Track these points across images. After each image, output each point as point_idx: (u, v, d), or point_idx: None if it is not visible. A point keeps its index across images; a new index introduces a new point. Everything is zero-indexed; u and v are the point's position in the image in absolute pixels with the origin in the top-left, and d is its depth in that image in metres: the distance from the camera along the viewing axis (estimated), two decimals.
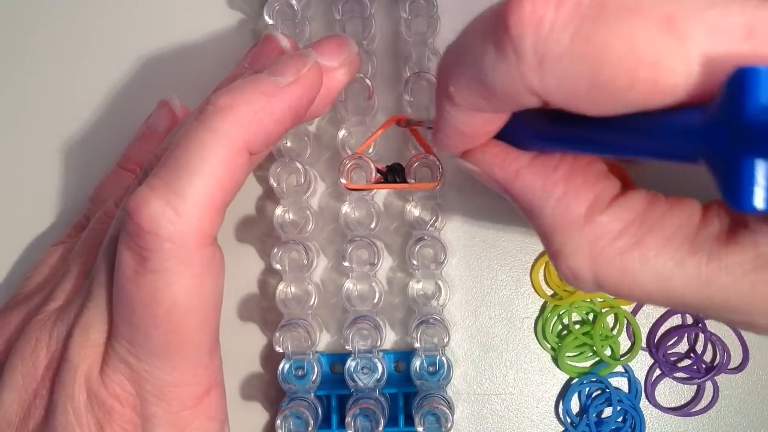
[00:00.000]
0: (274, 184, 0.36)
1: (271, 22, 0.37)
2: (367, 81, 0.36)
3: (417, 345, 0.36)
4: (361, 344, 0.36)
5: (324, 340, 0.40)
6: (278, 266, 0.36)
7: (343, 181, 0.35)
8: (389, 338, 0.40)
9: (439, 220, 0.37)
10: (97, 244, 0.31)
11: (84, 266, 0.31)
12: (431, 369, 0.37)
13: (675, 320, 0.41)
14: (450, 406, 0.36)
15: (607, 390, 0.40)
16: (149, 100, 0.39)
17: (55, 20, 0.42)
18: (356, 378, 0.36)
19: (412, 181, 0.35)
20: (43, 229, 0.41)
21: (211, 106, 0.26)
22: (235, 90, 0.27)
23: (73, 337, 0.28)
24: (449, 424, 0.35)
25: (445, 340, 0.36)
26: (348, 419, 0.35)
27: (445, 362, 0.36)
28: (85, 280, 0.30)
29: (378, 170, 0.35)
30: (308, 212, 0.37)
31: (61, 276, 0.32)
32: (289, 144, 0.38)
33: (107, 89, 0.42)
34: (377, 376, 0.36)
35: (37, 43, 0.42)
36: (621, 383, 0.40)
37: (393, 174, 0.35)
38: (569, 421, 0.40)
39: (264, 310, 0.40)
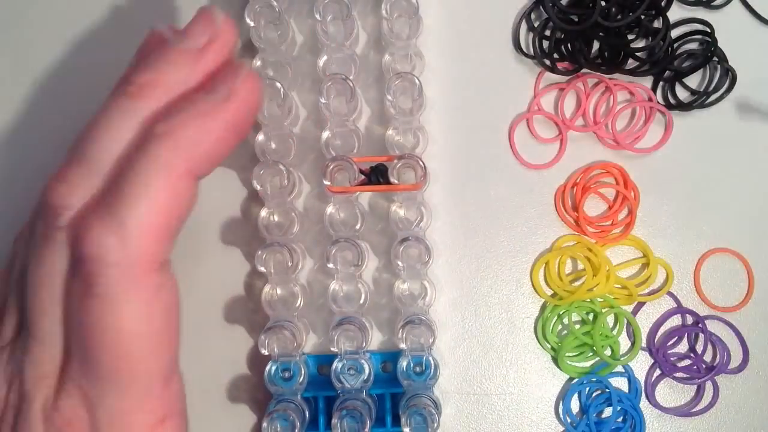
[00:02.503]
0: (258, 187, 0.37)
1: (252, 24, 0.37)
2: (350, 82, 0.36)
3: (403, 345, 0.37)
4: (348, 345, 0.37)
5: (311, 342, 0.40)
6: (263, 268, 0.37)
7: (327, 183, 0.35)
8: (376, 339, 0.40)
9: (424, 220, 0.37)
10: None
11: (23, 299, 0.31)
12: (418, 369, 0.37)
13: (675, 320, 0.41)
14: (437, 406, 0.36)
15: (607, 390, 0.40)
16: None
17: (44, 16, 0.42)
18: (343, 379, 0.36)
19: (396, 182, 0.35)
20: None
21: (149, 134, 0.26)
22: (172, 115, 0.27)
23: (27, 373, 0.28)
24: (435, 425, 0.36)
25: (431, 340, 0.37)
26: (334, 420, 0.35)
27: (432, 362, 0.37)
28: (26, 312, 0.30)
29: (361, 171, 0.35)
30: (293, 214, 0.38)
31: (3, 307, 0.32)
32: (273, 146, 0.38)
33: (84, 88, 0.41)
34: (364, 377, 0.36)
35: (26, 37, 0.42)
36: (621, 383, 0.40)
37: (377, 175, 0.35)
38: (569, 421, 0.40)
39: (250, 312, 0.41)
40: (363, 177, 0.36)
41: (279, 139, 0.38)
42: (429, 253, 0.37)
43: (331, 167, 0.35)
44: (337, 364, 0.36)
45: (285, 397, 0.37)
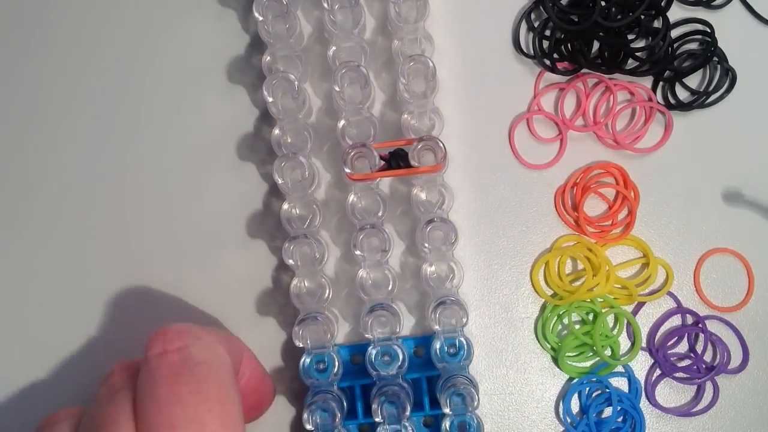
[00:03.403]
0: (279, 180, 0.37)
1: (260, 18, 0.37)
2: (363, 69, 0.36)
3: (436, 327, 0.37)
4: (380, 332, 0.36)
5: (341, 332, 0.40)
6: (291, 261, 0.37)
7: (347, 170, 0.35)
8: (406, 324, 0.40)
9: (446, 201, 0.37)
10: None
11: None
12: (451, 350, 0.37)
13: (675, 320, 0.41)
14: (474, 385, 0.36)
15: (607, 390, 0.40)
16: (142, 99, 0.40)
17: (53, 21, 0.42)
18: (378, 367, 0.36)
19: (416, 164, 0.35)
20: None
21: None
22: None
23: None
24: (475, 403, 0.36)
25: (464, 320, 0.37)
26: (374, 406, 0.35)
27: (465, 342, 0.37)
28: None
29: (381, 157, 0.35)
30: (314, 206, 0.38)
31: None
32: (289, 139, 0.38)
33: (101, 86, 0.42)
34: (398, 363, 0.36)
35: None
36: (621, 383, 0.40)
37: (397, 159, 0.35)
38: (569, 421, 0.40)
39: (280, 305, 0.40)
40: (383, 163, 0.35)
41: (294, 132, 0.38)
42: (455, 234, 0.36)
43: (352, 154, 0.35)
44: (371, 352, 0.36)
45: (322, 389, 0.37)
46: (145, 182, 0.41)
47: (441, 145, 0.35)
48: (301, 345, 0.36)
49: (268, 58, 0.38)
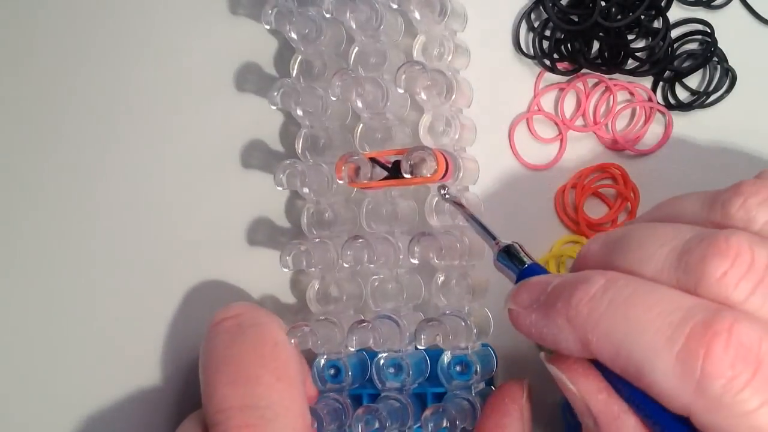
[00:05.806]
0: (305, 190, 0.37)
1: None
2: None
3: (441, 343, 0.35)
4: (388, 344, 0.36)
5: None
6: (307, 266, 0.37)
7: (339, 179, 0.35)
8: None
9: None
10: None
11: None
12: (458, 369, 0.36)
13: None
14: (460, 411, 0.35)
15: None
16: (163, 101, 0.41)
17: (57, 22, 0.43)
18: (383, 378, 0.36)
19: (407, 175, 0.34)
20: None
21: None
22: None
23: None
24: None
25: (471, 340, 0.36)
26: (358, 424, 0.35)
27: (475, 361, 0.36)
28: None
29: (382, 166, 0.34)
30: (334, 210, 0.38)
31: None
32: (311, 143, 0.39)
33: (116, 90, 0.43)
34: (404, 376, 0.36)
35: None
36: None
37: (396, 169, 0.34)
38: (569, 421, 0.40)
39: (296, 309, 0.41)
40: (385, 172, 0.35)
41: (318, 136, 0.39)
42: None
43: (350, 162, 0.35)
44: (378, 362, 0.36)
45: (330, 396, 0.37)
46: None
47: (432, 155, 0.34)
48: (317, 350, 0.36)
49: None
